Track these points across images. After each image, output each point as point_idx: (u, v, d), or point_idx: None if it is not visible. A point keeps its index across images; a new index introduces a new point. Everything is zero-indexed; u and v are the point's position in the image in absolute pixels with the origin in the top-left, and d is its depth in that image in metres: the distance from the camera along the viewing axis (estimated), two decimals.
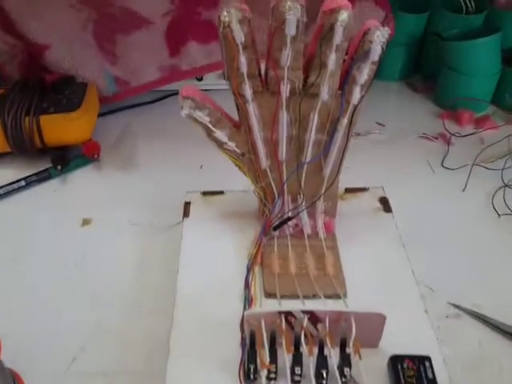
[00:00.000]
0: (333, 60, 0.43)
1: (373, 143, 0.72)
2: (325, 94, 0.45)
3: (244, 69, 0.43)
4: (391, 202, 0.57)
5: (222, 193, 0.59)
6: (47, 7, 0.69)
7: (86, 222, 0.60)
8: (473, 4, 0.79)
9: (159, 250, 0.56)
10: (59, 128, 0.65)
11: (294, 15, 0.39)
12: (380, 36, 0.42)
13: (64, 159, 0.65)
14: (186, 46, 0.74)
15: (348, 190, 0.59)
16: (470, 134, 0.73)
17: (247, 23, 0.41)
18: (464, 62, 0.75)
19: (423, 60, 0.86)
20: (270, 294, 0.48)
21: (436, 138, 0.73)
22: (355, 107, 0.46)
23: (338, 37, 0.41)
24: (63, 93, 0.68)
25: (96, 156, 0.67)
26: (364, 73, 0.44)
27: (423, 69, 0.85)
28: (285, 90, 0.45)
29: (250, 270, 0.50)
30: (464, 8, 0.80)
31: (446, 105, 0.78)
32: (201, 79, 0.80)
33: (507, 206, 0.61)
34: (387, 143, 0.72)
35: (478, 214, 0.61)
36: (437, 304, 0.50)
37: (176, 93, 0.82)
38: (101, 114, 0.75)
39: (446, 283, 0.52)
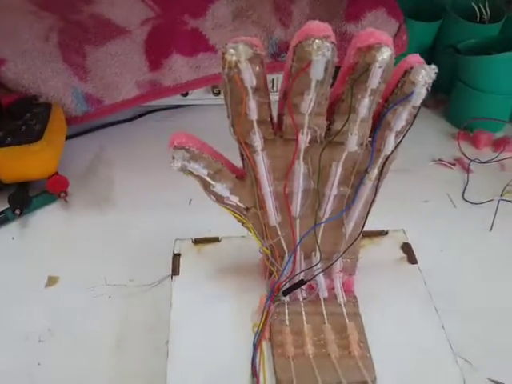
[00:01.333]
0: (366, 105, 0.34)
1: None
2: (353, 144, 0.36)
3: (254, 116, 0.34)
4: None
5: (217, 240, 0.50)
6: (1, 14, 0.58)
7: (51, 280, 0.50)
8: (488, 11, 0.72)
9: (142, 319, 0.47)
10: (18, 163, 0.55)
11: (323, 56, 0.30)
12: (425, 76, 0.34)
13: (24, 200, 0.55)
14: (168, 58, 0.63)
15: (364, 235, 0.50)
16: (490, 161, 0.66)
17: (260, 62, 0.31)
18: (482, 79, 0.67)
19: None
20: None
21: (453, 165, 0.66)
22: (387, 157, 0.38)
23: (376, 79, 0.32)
24: (22, 118, 0.57)
25: (63, 195, 0.56)
26: (402, 118, 0.35)
27: (433, 81, 0.77)
28: (304, 139, 0.36)
29: (256, 348, 0.41)
30: (478, 15, 0.72)
31: (460, 123, 0.70)
32: (186, 94, 0.70)
33: None
34: (401, 170, 0.64)
35: (511, 260, 0.54)
36: (475, 381, 0.43)
37: (158, 109, 0.74)
38: (68, 137, 0.65)
39: (482, 353, 0.45)
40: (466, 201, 0.61)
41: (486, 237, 0.57)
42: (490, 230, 0.57)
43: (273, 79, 0.67)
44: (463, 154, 0.67)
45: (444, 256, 0.54)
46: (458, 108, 0.72)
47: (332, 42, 0.30)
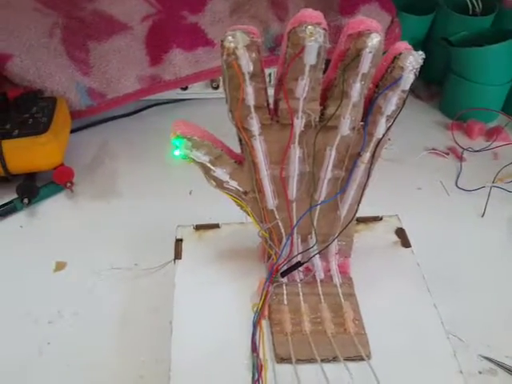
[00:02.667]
0: (357, 90, 0.36)
1: (379, 159, 0.66)
2: (345, 127, 0.38)
3: (251, 101, 0.36)
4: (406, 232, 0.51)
5: (217, 226, 0.52)
6: (7, 11, 0.60)
7: (59, 265, 0.52)
8: (480, 4, 0.73)
9: (147, 301, 0.49)
10: (25, 154, 0.56)
11: (315, 41, 0.32)
12: (413, 62, 0.36)
13: (32, 190, 0.57)
14: (168, 53, 0.65)
15: (359, 220, 0.52)
16: (483, 150, 0.68)
17: (256, 49, 0.33)
18: (475, 70, 0.69)
19: (426, 64, 0.79)
20: (282, 359, 0.41)
21: (447, 154, 0.67)
22: (379, 140, 0.39)
23: (366, 64, 0.34)
24: (29, 111, 0.59)
25: (69, 185, 0.58)
26: (392, 102, 0.37)
27: (426, 74, 0.79)
28: (299, 124, 0.37)
29: (256, 326, 0.43)
30: (471, 8, 0.74)
31: (453, 114, 0.72)
32: (185, 88, 0.72)
33: None
34: (395, 160, 0.66)
35: (502, 246, 0.55)
36: (467, 357, 0.45)
37: (159, 103, 0.76)
38: (73, 130, 0.67)
39: (473, 331, 0.47)
40: (459, 188, 0.62)
41: (478, 222, 0.58)
42: (482, 215, 0.59)
43: (270, 73, 0.68)
44: (456, 143, 0.68)
45: (437, 240, 0.55)
46: (452, 99, 0.74)
47: (324, 28, 0.32)
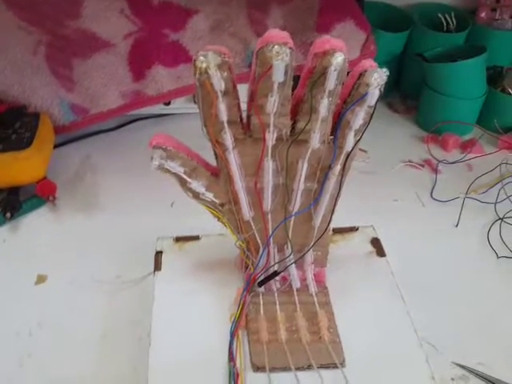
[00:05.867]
0: (325, 106, 0.37)
1: (356, 172, 0.67)
2: (315, 141, 0.39)
3: (224, 117, 0.37)
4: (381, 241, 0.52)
5: (197, 238, 0.53)
6: None
7: (40, 278, 0.53)
8: (454, 21, 0.76)
9: (128, 313, 0.50)
10: (8, 169, 0.57)
11: (282, 60, 0.33)
12: (378, 79, 0.37)
13: (14, 204, 0.57)
14: (151, 69, 0.67)
15: (336, 231, 0.54)
16: (458, 162, 0.69)
17: (228, 68, 0.35)
18: (449, 84, 0.71)
19: (402, 79, 0.82)
20: (258, 368, 0.42)
21: (422, 166, 0.69)
22: (349, 153, 0.41)
23: (332, 81, 0.36)
24: (12, 126, 0.60)
25: (51, 198, 0.59)
26: (359, 117, 0.39)
27: (402, 88, 0.81)
28: (271, 137, 0.39)
29: (233, 336, 0.44)
30: (445, 25, 0.77)
31: (429, 127, 0.74)
32: (168, 103, 0.74)
33: (504, 243, 0.57)
34: (371, 172, 0.68)
35: (475, 255, 0.57)
36: (440, 364, 0.46)
37: (142, 117, 0.77)
38: (56, 145, 0.68)
39: (447, 338, 0.48)
40: (434, 199, 0.64)
41: (452, 232, 0.60)
42: (456, 225, 0.60)
43: None
44: (432, 155, 0.70)
45: (412, 250, 0.56)
46: (427, 113, 0.76)
47: (290, 48, 0.33)
